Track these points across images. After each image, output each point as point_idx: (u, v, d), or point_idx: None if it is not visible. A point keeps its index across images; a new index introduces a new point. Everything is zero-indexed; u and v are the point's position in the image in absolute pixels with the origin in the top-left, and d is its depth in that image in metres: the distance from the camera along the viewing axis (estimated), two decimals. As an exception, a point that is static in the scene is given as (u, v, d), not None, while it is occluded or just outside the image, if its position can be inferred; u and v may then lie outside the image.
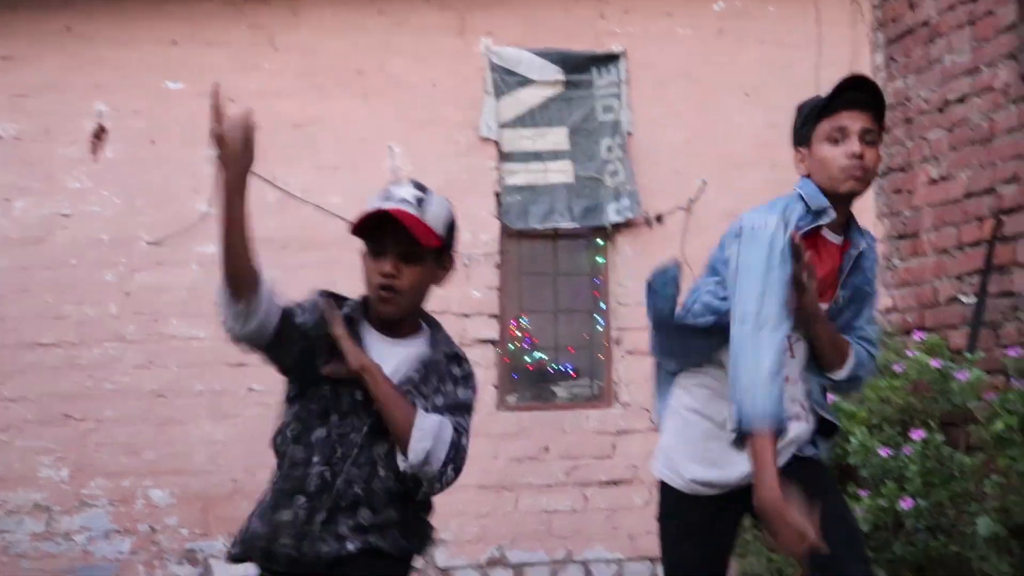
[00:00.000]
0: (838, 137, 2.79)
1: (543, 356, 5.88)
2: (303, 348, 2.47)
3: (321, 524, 2.42)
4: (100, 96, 5.44)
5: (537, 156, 5.69)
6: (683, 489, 2.94)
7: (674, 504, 2.99)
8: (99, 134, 5.42)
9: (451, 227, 2.59)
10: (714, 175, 5.77)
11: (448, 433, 2.44)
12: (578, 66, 5.74)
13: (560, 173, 5.70)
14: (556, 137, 5.72)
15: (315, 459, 2.47)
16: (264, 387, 5.34)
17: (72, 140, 5.42)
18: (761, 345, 2.60)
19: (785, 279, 2.68)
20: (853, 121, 2.78)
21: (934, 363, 4.18)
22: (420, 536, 2.57)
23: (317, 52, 5.62)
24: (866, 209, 5.82)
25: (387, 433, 2.44)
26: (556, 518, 5.55)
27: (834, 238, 2.87)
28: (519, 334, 5.84)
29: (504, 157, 5.67)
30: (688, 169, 5.76)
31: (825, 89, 6.11)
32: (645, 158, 5.74)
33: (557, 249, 5.87)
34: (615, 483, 5.59)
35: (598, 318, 5.87)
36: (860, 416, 4.57)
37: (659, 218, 5.73)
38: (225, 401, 5.36)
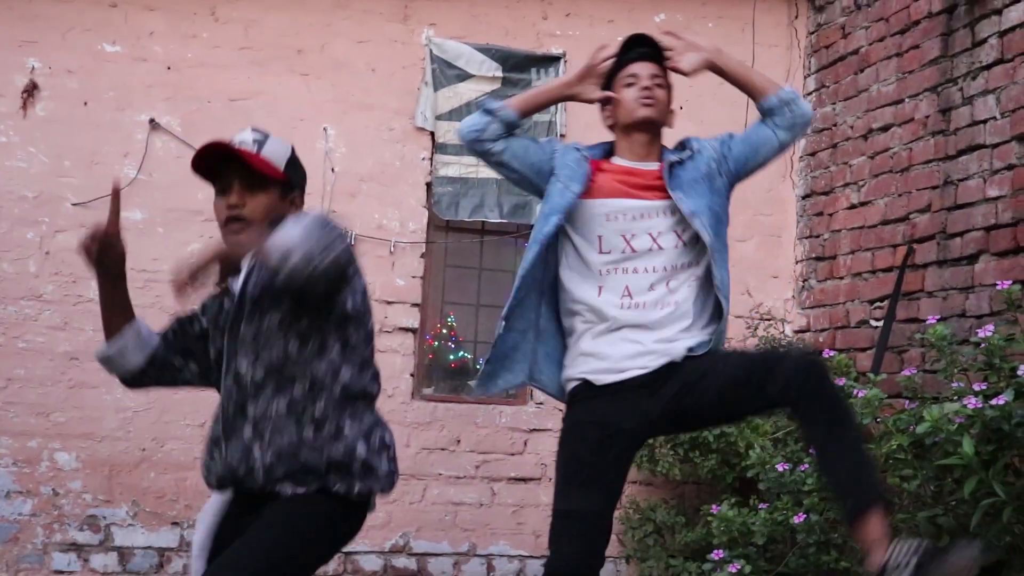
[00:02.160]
0: (632, 82, 3.26)
1: (467, 355, 5.93)
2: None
3: None
4: (34, 52, 5.38)
5: (471, 150, 5.74)
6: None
7: None
8: (30, 90, 5.36)
9: (293, 165, 2.74)
10: (643, 183, 5.86)
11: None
12: (518, 65, 5.80)
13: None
14: (491, 133, 5.77)
15: None
16: (180, 358, 5.33)
17: (1, 94, 5.34)
18: None
19: None
20: (642, 69, 3.28)
21: (839, 381, 4.31)
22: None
23: (258, 27, 5.61)
24: (788, 228, 5.98)
25: None
26: (462, 510, 5.61)
27: (646, 166, 3.29)
28: (444, 331, 5.88)
29: (438, 148, 5.72)
30: (618, 175, 5.85)
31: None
32: (577, 161, 5.82)
33: (483, 244, 5.93)
34: (523, 480, 5.67)
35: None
36: (764, 428, 4.69)
37: (586, 221, 5.81)
38: (139, 369, 5.33)
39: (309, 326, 2.57)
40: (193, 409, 5.31)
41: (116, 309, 2.79)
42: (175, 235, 5.40)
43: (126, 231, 5.31)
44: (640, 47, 3.33)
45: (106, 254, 2.64)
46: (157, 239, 5.40)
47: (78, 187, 5.37)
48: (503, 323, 3.32)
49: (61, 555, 5.24)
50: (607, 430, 3.11)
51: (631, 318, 3.16)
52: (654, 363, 3.11)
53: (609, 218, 3.20)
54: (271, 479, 2.56)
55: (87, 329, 5.33)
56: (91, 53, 5.44)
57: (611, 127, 3.38)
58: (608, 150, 3.37)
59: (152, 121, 5.45)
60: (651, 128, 3.32)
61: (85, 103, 5.42)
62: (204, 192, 5.58)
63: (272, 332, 2.58)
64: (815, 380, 2.95)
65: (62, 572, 5.23)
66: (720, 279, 3.17)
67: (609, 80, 3.33)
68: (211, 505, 2.71)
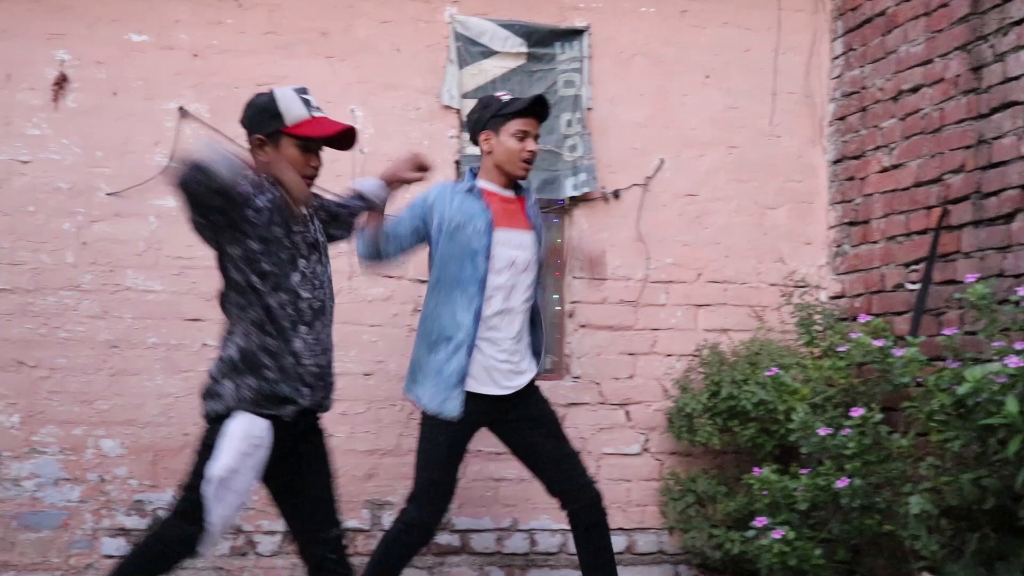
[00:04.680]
0: (520, 136, 4.14)
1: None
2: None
3: None
4: (63, 44, 5.41)
5: (498, 127, 5.74)
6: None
7: None
8: (61, 82, 5.39)
9: None
10: (672, 154, 5.86)
11: None
12: (542, 39, 5.79)
13: (520, 145, 5.75)
14: (517, 109, 5.77)
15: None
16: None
17: (32, 87, 5.38)
18: None
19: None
20: (532, 127, 4.17)
21: (876, 342, 4.30)
22: None
23: (281, 11, 5.62)
24: (820, 194, 5.95)
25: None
26: (503, 486, 5.63)
27: (509, 194, 4.28)
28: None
29: (465, 126, 5.72)
30: (646, 146, 5.84)
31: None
32: (604, 134, 5.81)
33: (514, 219, 5.93)
34: (561, 453, 5.67)
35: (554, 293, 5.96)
36: (803, 393, 4.68)
37: (616, 194, 5.81)
38: (179, 355, 5.39)
39: None
40: (233, 393, 5.36)
41: None
42: (208, 221, 5.43)
43: (159, 220, 5.41)
44: (537, 105, 4.15)
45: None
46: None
47: (111, 176, 5.41)
48: None
49: (110, 540, 5.32)
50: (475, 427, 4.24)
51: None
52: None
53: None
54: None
55: (126, 317, 5.38)
56: (119, 43, 5.47)
57: (487, 153, 4.22)
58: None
59: (181, 108, 5.48)
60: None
61: (115, 93, 5.45)
62: (236, 177, 5.61)
63: None
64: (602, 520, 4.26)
65: (112, 556, 5.29)
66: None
67: (498, 118, 4.15)
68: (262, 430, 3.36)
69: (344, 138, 3.55)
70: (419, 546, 4.21)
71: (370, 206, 3.93)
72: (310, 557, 3.56)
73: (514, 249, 4.19)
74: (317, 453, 3.60)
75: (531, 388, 4.31)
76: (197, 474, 3.39)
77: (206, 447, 3.39)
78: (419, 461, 4.21)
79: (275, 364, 3.38)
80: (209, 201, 3.17)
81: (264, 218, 3.37)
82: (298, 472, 3.54)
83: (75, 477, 5.31)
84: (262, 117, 3.45)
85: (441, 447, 4.14)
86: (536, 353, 4.36)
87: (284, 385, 3.38)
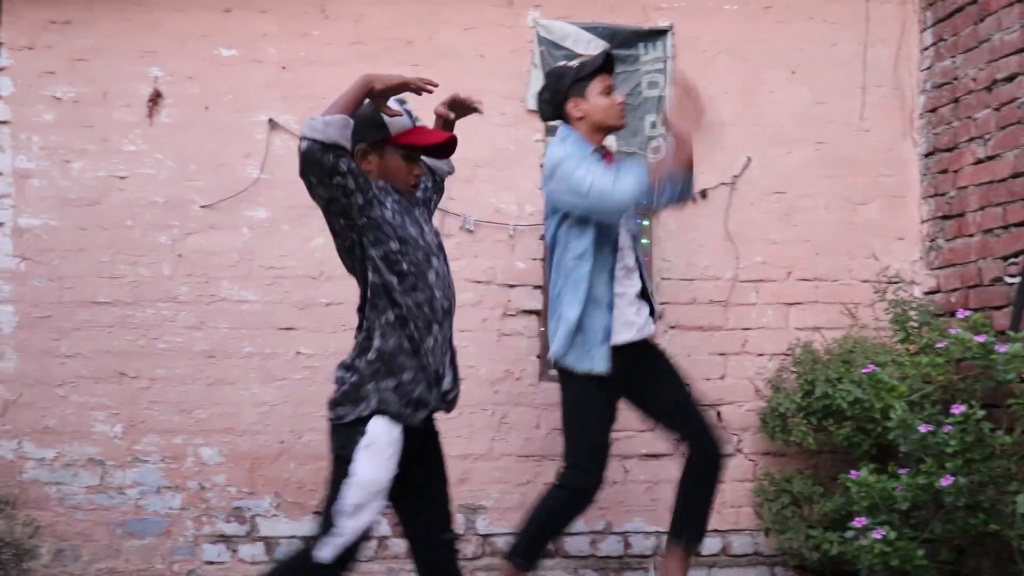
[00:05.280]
0: (608, 91, 4.31)
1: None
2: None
3: None
4: (155, 61, 5.54)
5: (583, 129, 5.73)
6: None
7: None
8: (155, 98, 5.52)
9: None
10: (759, 152, 5.79)
11: None
12: (625, 41, 5.77)
13: (605, 147, 5.74)
14: (602, 111, 5.75)
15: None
16: (312, 351, 5.47)
17: (128, 104, 5.52)
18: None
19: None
20: (612, 81, 4.36)
21: (977, 338, 4.20)
22: None
23: (367, 21, 5.68)
24: (912, 188, 5.84)
25: None
26: (595, 488, 5.62)
27: None
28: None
29: (550, 130, 5.72)
30: (733, 145, 5.79)
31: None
32: (690, 133, 5.76)
33: (601, 222, 5.91)
34: (655, 456, 5.64)
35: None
36: (900, 391, 4.59)
37: (703, 193, 5.77)
38: (273, 364, 5.47)
39: None
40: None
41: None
42: (299, 231, 5.52)
43: (251, 231, 5.50)
44: (609, 59, 4.33)
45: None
46: (281, 236, 5.53)
47: (204, 189, 5.53)
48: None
49: (211, 546, 5.43)
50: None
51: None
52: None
53: None
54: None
55: (221, 327, 5.49)
56: (209, 58, 5.58)
57: (579, 119, 4.32)
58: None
59: (271, 121, 5.57)
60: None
61: (206, 107, 5.56)
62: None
63: None
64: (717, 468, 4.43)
65: (213, 563, 5.41)
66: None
67: (579, 82, 4.27)
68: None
69: (445, 147, 3.62)
70: (583, 511, 4.37)
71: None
72: (428, 561, 3.53)
73: None
74: (436, 454, 3.57)
75: (651, 344, 4.50)
76: (336, 488, 3.28)
77: (341, 459, 3.27)
78: (573, 429, 4.35)
79: (413, 364, 3.30)
80: (325, 163, 3.22)
81: (398, 220, 3.36)
82: (420, 474, 3.50)
83: (176, 485, 5.43)
84: (367, 126, 3.41)
85: (597, 408, 4.32)
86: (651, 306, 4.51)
87: (420, 386, 3.31)
